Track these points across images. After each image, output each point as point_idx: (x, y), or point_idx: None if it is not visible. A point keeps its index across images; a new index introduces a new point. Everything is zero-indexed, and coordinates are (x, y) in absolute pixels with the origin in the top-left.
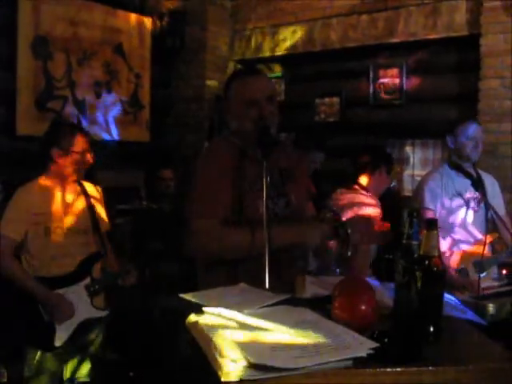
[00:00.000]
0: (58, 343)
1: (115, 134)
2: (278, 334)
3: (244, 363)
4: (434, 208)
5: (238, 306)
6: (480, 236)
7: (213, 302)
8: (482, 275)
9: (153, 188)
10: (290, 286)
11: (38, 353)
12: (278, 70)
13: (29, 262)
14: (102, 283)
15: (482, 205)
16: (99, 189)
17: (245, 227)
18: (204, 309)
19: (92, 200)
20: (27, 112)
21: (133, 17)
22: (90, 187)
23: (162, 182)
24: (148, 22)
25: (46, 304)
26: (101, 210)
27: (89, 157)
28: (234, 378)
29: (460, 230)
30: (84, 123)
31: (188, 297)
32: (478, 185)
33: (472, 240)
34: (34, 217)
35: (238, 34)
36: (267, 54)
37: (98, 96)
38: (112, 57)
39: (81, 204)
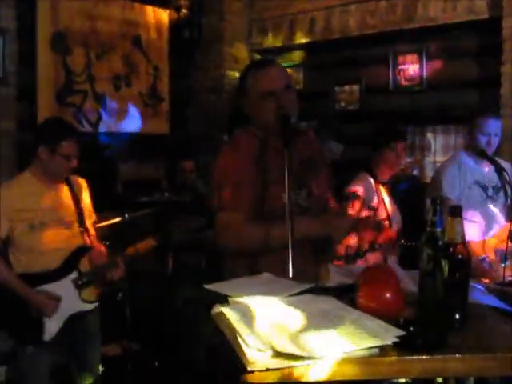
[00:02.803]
0: (47, 338)
1: (135, 126)
2: (304, 323)
3: (270, 352)
4: (453, 197)
5: (263, 296)
6: (501, 224)
7: (238, 292)
8: (504, 264)
9: (174, 180)
10: (314, 276)
11: (29, 348)
12: (296, 59)
13: (17, 257)
14: (89, 276)
15: (502, 193)
16: (83, 181)
17: (266, 223)
18: (229, 299)
19: (77, 192)
20: (48, 107)
21: (150, 9)
22: (74, 179)
23: (184, 173)
24: (165, 14)
25: (30, 303)
26: (86, 202)
27: (74, 162)
28: (260, 366)
29: (480, 218)
30: (104, 117)
31: (213, 287)
32: (500, 172)
33: (493, 229)
34: (17, 213)
35: (255, 23)
36: (285, 42)
37: (118, 89)
38: (130, 50)
39: (65, 197)
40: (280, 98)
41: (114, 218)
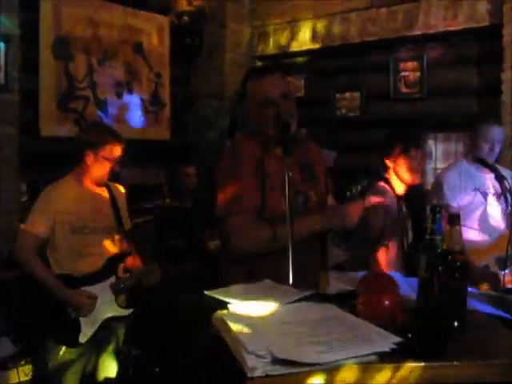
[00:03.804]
0: (82, 340)
1: (137, 133)
2: (303, 329)
3: (269, 358)
4: (454, 204)
5: (263, 302)
6: (501, 231)
7: (238, 298)
8: (504, 271)
9: (175, 185)
10: (314, 282)
11: (63, 348)
12: (297, 66)
13: (56, 258)
14: (126, 282)
15: (502, 200)
16: (123, 188)
17: (271, 223)
18: (229, 305)
19: (116, 199)
20: (50, 113)
21: (152, 16)
22: (115, 186)
23: (186, 178)
24: (167, 20)
25: (67, 302)
26: (124, 210)
27: (117, 166)
28: (259, 373)
29: (480, 225)
30: (106, 123)
31: (213, 293)
32: (501, 179)
33: (493, 236)
34: (60, 215)
35: (256, 30)
36: (286, 49)
37: (119, 96)
38: (132, 56)
39: (106, 203)
40: (278, 106)
41: None
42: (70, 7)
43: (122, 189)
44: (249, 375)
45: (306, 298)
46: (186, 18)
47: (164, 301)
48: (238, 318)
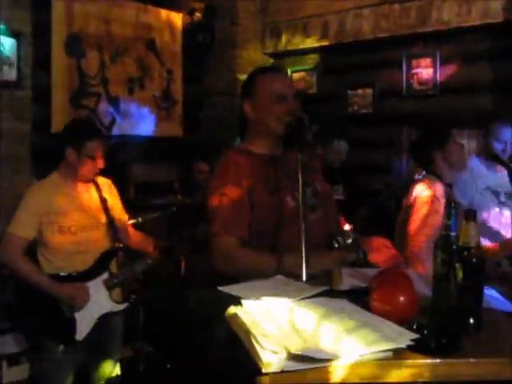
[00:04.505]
0: (79, 337)
1: (149, 129)
2: (318, 325)
3: (285, 354)
4: (464, 202)
5: (276, 298)
6: None
7: (251, 294)
8: None
9: (187, 182)
10: (327, 279)
11: (60, 347)
12: (309, 62)
13: (46, 258)
14: (119, 277)
15: None
16: (109, 181)
17: (266, 253)
18: (242, 301)
19: (105, 194)
20: (62, 109)
21: (164, 13)
22: (102, 181)
23: (200, 175)
24: (179, 17)
25: (58, 297)
26: (115, 203)
27: (100, 163)
28: (275, 368)
29: (492, 223)
30: (118, 119)
31: (226, 289)
32: None
33: (505, 234)
34: (47, 216)
35: (268, 27)
36: (298, 46)
37: (131, 92)
38: (144, 53)
39: (94, 199)
40: (290, 102)
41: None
42: (82, 4)
43: (108, 181)
44: (263, 371)
45: (319, 294)
46: (197, 14)
47: (177, 298)
48: (252, 314)
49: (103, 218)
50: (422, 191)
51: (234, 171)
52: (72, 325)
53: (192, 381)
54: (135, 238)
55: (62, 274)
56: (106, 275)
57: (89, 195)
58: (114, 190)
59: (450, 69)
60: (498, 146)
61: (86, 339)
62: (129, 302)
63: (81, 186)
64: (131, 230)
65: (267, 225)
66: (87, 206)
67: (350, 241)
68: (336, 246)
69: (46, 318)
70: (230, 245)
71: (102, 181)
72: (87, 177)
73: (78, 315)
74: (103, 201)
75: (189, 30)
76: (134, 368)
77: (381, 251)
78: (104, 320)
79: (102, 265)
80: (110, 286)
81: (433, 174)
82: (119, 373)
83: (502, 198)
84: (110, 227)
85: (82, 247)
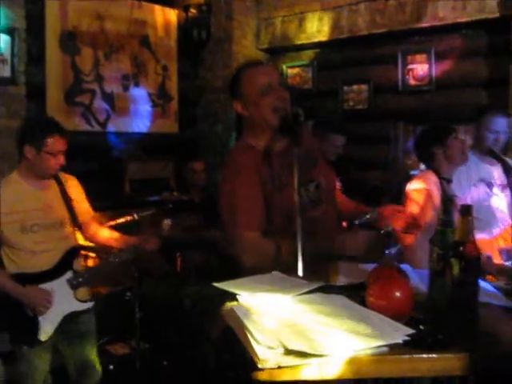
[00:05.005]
0: (43, 338)
1: (144, 126)
2: (314, 321)
3: (281, 350)
4: (459, 194)
5: (273, 294)
6: (506, 223)
7: (247, 290)
8: (508, 263)
9: (183, 179)
10: (324, 275)
11: (24, 348)
12: (305, 58)
13: (9, 257)
14: (84, 275)
15: (508, 191)
16: (73, 178)
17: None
18: (238, 297)
19: (67, 190)
20: (57, 106)
21: (158, 9)
22: (65, 178)
23: (194, 174)
24: (174, 13)
25: (20, 299)
26: (78, 200)
27: (61, 159)
28: (271, 364)
29: (486, 216)
30: (113, 116)
31: (222, 286)
32: (509, 171)
33: (498, 227)
34: (7, 216)
35: (263, 22)
36: (294, 42)
37: (126, 89)
38: (139, 49)
39: (55, 197)
40: (277, 90)
41: (122, 217)
42: (76, 1)
43: (72, 178)
44: (260, 366)
45: (315, 290)
46: (192, 10)
47: (172, 295)
48: (248, 310)
49: (66, 216)
50: (416, 185)
51: (245, 168)
52: (34, 325)
53: (188, 377)
54: (103, 235)
55: (25, 273)
56: (69, 274)
57: (51, 193)
58: (79, 187)
59: (446, 64)
60: (489, 136)
61: (53, 340)
62: (125, 297)
63: (43, 184)
64: (98, 227)
65: (278, 221)
66: (49, 204)
67: (368, 216)
68: (356, 223)
69: (8, 320)
70: (257, 240)
71: (66, 177)
72: (48, 174)
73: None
74: (66, 198)
75: (184, 27)
76: (129, 365)
77: (395, 217)
78: (70, 320)
79: (66, 263)
80: (74, 285)
81: (431, 169)
82: (99, 371)
83: (496, 191)
84: (75, 225)
85: (45, 246)
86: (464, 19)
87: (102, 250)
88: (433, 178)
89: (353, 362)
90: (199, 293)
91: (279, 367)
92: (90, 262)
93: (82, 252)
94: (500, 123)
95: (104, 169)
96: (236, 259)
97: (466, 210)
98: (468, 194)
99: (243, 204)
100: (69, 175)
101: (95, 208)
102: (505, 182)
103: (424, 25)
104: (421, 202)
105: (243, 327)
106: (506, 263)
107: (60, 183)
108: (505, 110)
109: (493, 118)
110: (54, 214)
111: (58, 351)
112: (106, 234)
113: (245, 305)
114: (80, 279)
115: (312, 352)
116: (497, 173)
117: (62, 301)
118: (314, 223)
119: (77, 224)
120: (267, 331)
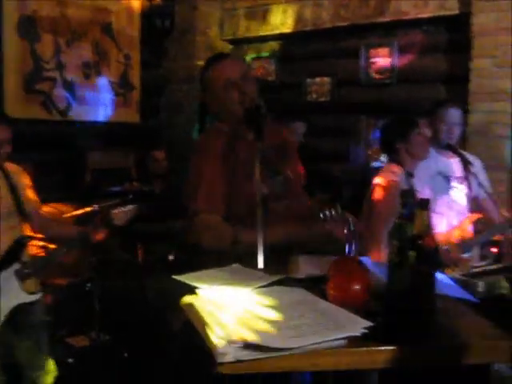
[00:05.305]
0: None
1: (105, 115)
2: (273, 314)
3: (240, 344)
4: (419, 189)
5: (232, 287)
6: (463, 216)
7: (207, 282)
8: (465, 255)
9: (145, 169)
10: (284, 267)
11: None
12: (268, 50)
13: None
14: (32, 266)
15: (465, 184)
16: (18, 167)
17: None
18: (198, 290)
19: (12, 181)
20: (15, 94)
21: None
22: (11, 167)
23: (155, 163)
24: (137, 1)
25: None
26: (26, 190)
27: (6, 148)
28: (229, 358)
29: (443, 209)
30: (73, 105)
31: (182, 278)
32: (466, 164)
33: (455, 219)
34: None
35: (228, 13)
36: (258, 33)
37: (87, 77)
38: (101, 37)
39: (1, 187)
40: (240, 86)
41: (83, 207)
42: None
43: (17, 167)
44: (219, 361)
45: (275, 283)
46: None
47: (133, 286)
48: (208, 303)
49: (12, 207)
50: (379, 179)
51: (212, 151)
52: None
53: (150, 369)
54: (50, 225)
55: None
56: (17, 265)
57: None
58: (25, 177)
59: (407, 59)
60: (443, 128)
61: (1, 333)
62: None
63: None
64: (45, 218)
65: (242, 209)
66: None
67: (334, 213)
68: (322, 217)
69: None
70: (216, 221)
71: (10, 167)
72: None
73: None
74: (12, 188)
75: (147, 15)
76: (90, 357)
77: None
78: (19, 312)
79: (13, 254)
80: (21, 276)
81: (395, 162)
82: (52, 364)
83: (453, 183)
84: (21, 215)
85: None
86: (425, 15)
87: (49, 240)
88: (397, 170)
89: (311, 355)
90: (160, 285)
91: (238, 361)
92: (39, 253)
93: (30, 243)
94: (454, 115)
95: (64, 159)
96: (194, 241)
97: (425, 204)
98: (426, 187)
99: (205, 185)
100: (15, 165)
101: (55, 199)
102: (463, 174)
103: (387, 19)
104: (382, 198)
105: (202, 320)
106: (464, 255)
107: (5, 173)
108: (462, 105)
109: (446, 111)
110: (0, 204)
111: (7, 345)
112: (53, 224)
113: (204, 298)
114: (28, 270)
115: (270, 345)
116: (455, 166)
117: (10, 293)
118: (275, 216)
119: (23, 214)
120: (226, 325)
